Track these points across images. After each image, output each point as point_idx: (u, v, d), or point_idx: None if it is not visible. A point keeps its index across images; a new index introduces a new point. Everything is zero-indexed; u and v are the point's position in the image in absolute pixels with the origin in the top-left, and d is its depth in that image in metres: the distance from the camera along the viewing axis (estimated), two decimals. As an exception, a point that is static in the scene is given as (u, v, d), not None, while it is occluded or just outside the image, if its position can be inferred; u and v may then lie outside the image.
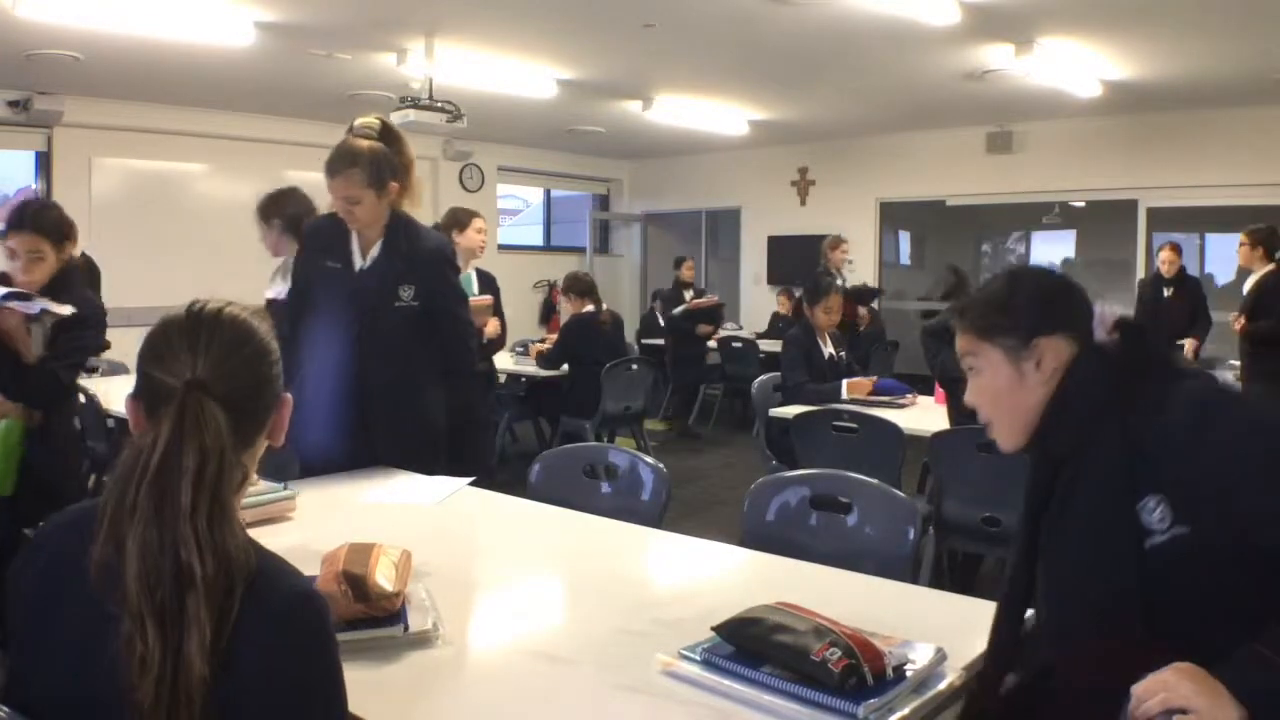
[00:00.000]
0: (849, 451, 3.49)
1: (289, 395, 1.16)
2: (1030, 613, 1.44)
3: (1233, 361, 5.71)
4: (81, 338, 2.65)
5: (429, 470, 2.61)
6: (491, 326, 4.58)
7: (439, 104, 6.08)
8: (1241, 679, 1.09)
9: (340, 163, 2.58)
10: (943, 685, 1.33)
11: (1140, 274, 7.83)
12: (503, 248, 9.90)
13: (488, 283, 4.77)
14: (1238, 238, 5.47)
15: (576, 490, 2.55)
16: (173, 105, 7.53)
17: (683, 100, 7.74)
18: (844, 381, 4.31)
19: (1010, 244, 10.93)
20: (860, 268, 8.75)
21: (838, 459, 3.05)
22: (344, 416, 2.61)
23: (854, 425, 3.65)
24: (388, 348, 2.68)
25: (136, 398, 1.06)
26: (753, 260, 10.55)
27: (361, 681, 1.07)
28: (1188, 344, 6.04)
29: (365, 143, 2.61)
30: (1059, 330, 1.36)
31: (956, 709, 1.37)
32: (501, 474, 4.01)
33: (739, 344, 8.24)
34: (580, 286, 6.08)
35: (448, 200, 6.88)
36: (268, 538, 1.07)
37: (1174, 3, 4.93)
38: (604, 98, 7.62)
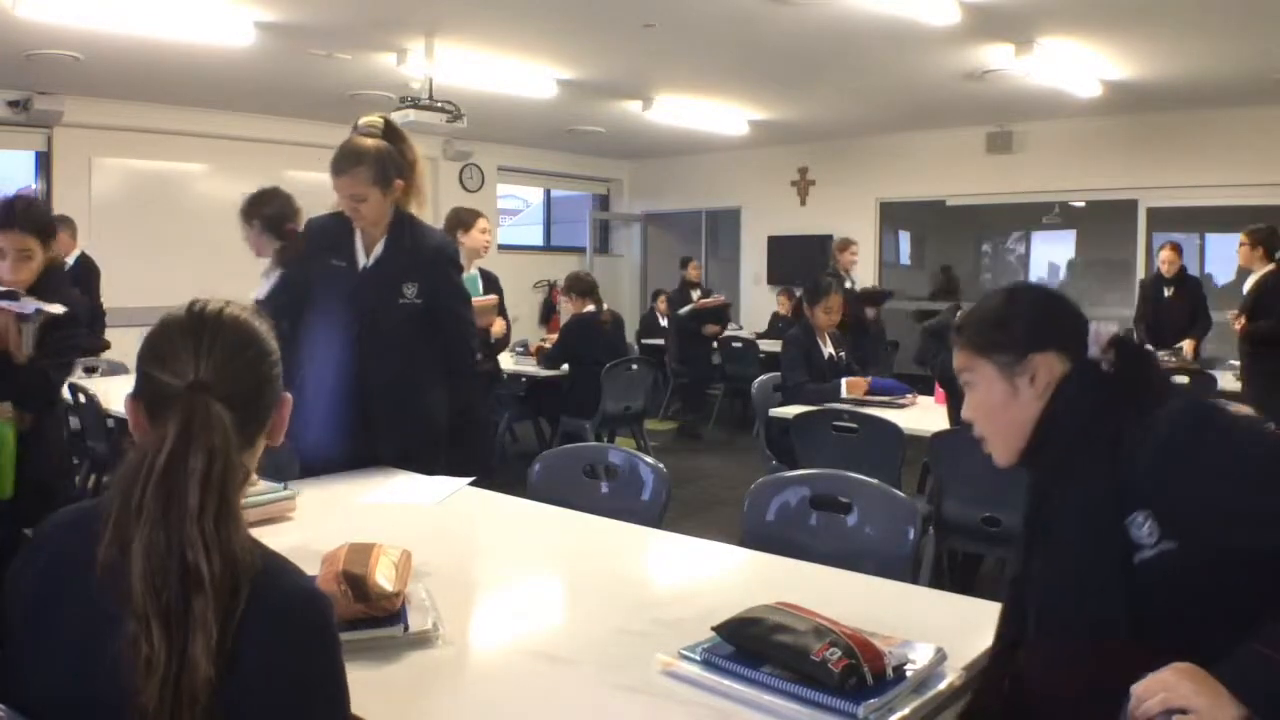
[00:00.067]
0: (849, 451, 3.49)
1: (289, 395, 1.16)
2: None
3: (1233, 361, 5.71)
4: (73, 336, 2.63)
5: (429, 470, 2.61)
6: (498, 326, 4.60)
7: (439, 104, 6.08)
8: (1241, 678, 1.09)
9: (346, 161, 2.59)
10: (943, 685, 1.33)
11: (1140, 274, 7.83)
12: (503, 248, 9.90)
13: (491, 282, 4.78)
14: (1238, 238, 5.47)
15: (576, 490, 2.55)
16: (173, 105, 7.54)
17: (683, 100, 7.75)
18: (843, 380, 4.32)
19: (1010, 244, 10.93)
20: (860, 268, 8.72)
21: (838, 459, 3.05)
22: (344, 416, 2.61)
23: (854, 425, 3.65)
24: (389, 347, 2.68)
25: (137, 398, 1.06)
26: (753, 260, 10.55)
27: (361, 681, 1.07)
28: (1187, 344, 6.04)
29: (371, 141, 2.62)
30: (1052, 347, 1.37)
31: (957, 709, 1.37)
32: (501, 474, 4.00)
33: (739, 344, 8.25)
34: (582, 286, 6.08)
35: (448, 200, 6.89)
36: (268, 538, 1.07)
37: (1174, 3, 4.94)
38: (604, 98, 7.62)
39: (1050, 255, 10.23)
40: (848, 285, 7.04)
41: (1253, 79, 6.40)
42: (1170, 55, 6.01)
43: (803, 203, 10.10)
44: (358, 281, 2.70)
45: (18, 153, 7.35)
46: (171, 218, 7.60)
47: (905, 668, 1.30)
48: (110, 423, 4.11)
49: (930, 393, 4.38)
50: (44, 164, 7.35)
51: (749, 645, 1.34)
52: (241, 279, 3.50)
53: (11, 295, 2.45)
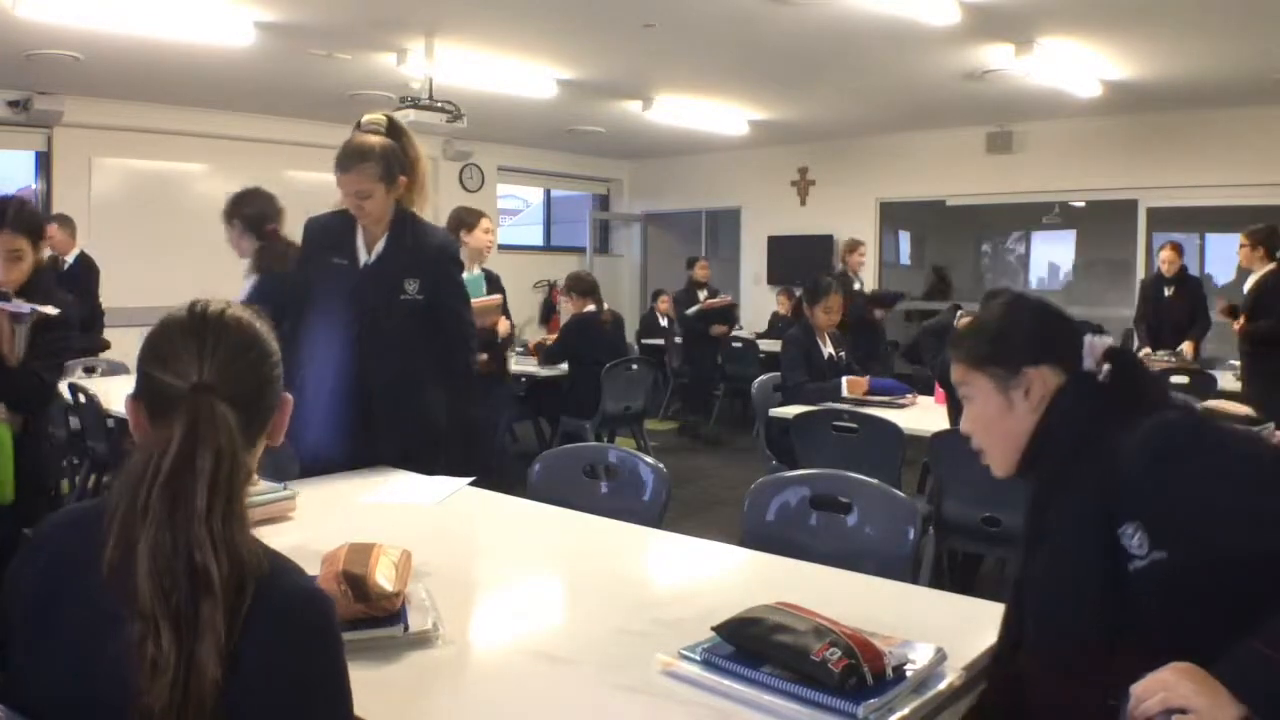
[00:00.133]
0: (849, 451, 3.49)
1: (289, 396, 1.16)
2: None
3: (1233, 361, 5.71)
4: (66, 338, 2.63)
5: (429, 470, 2.61)
6: (503, 325, 4.60)
7: (439, 104, 6.08)
8: (1241, 677, 1.09)
9: (352, 158, 2.61)
10: (942, 685, 1.33)
11: (1140, 274, 7.83)
12: (503, 248, 9.86)
13: (493, 282, 4.77)
14: (1238, 238, 5.47)
15: (576, 490, 2.55)
16: (173, 105, 7.53)
17: (683, 100, 7.74)
18: (843, 379, 4.32)
19: (1010, 244, 10.94)
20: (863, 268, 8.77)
21: (838, 459, 3.05)
22: (344, 416, 2.61)
23: (854, 425, 3.65)
24: (389, 347, 2.68)
25: (138, 399, 1.06)
26: (752, 260, 10.55)
27: (361, 681, 1.07)
28: (1187, 344, 6.04)
29: (376, 138, 2.64)
30: (1047, 360, 1.39)
31: (957, 709, 1.37)
32: (501, 474, 4.00)
33: (739, 344, 8.25)
34: (582, 286, 6.08)
35: (448, 200, 6.89)
36: (268, 538, 1.07)
37: (1174, 3, 4.93)
38: (604, 98, 7.62)
39: (1050, 255, 10.24)
40: (856, 287, 7.06)
41: (1253, 79, 6.39)
42: (1170, 55, 6.01)
43: (803, 203, 10.09)
44: (359, 278, 2.70)
45: (18, 153, 7.35)
46: (171, 218, 7.59)
47: (905, 668, 1.30)
48: (110, 423, 4.11)
49: (929, 392, 4.38)
50: (44, 164, 7.35)
51: (749, 645, 1.34)
52: (241, 279, 3.51)
53: (3, 296, 2.45)
